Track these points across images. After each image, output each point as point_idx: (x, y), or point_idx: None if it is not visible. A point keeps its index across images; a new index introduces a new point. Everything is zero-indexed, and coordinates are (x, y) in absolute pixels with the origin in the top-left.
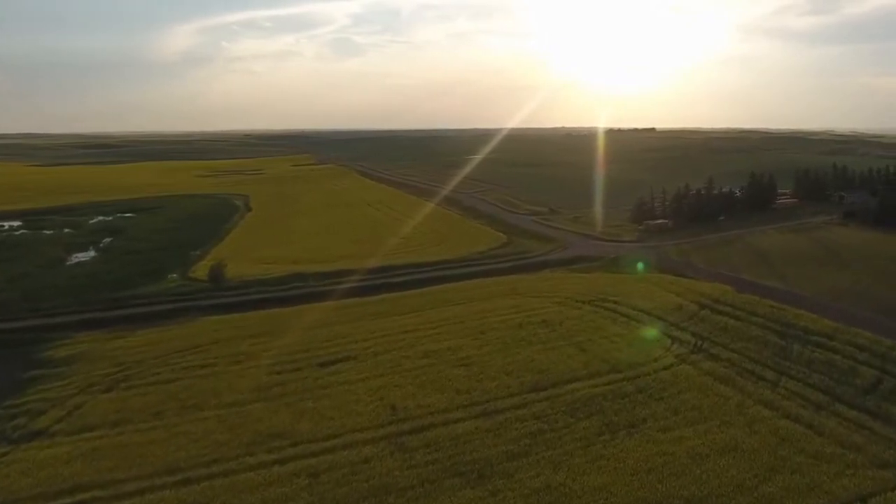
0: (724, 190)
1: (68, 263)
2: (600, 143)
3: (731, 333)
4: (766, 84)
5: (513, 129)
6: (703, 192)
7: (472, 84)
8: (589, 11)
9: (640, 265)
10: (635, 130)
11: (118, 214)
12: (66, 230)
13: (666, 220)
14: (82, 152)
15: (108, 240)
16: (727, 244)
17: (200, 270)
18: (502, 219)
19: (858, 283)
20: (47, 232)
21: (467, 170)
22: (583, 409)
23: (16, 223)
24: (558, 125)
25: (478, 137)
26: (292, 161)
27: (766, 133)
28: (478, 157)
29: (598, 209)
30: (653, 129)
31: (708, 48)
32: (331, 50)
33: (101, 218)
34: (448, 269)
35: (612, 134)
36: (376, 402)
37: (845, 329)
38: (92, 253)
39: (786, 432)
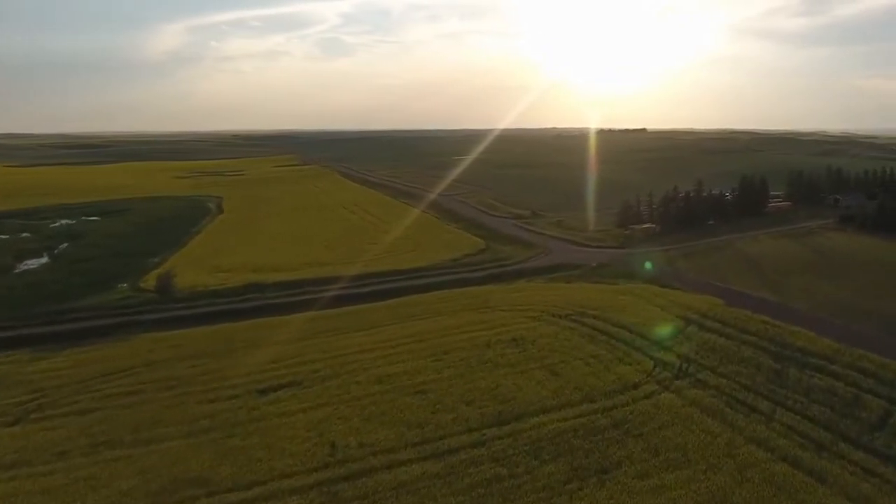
0: (713, 192)
1: (15, 272)
2: (590, 143)
3: (719, 354)
4: (757, 85)
5: (503, 130)
6: (691, 195)
7: (462, 84)
8: (580, 12)
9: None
10: (626, 131)
11: (84, 217)
12: (24, 234)
13: (653, 225)
14: (65, 152)
15: (64, 245)
16: (717, 251)
17: (153, 280)
18: (482, 223)
19: (859, 296)
20: (2, 237)
21: (453, 171)
22: (549, 449)
23: None
24: (549, 126)
25: (467, 138)
26: (275, 162)
27: (757, 134)
28: (465, 158)
29: (583, 212)
30: (644, 130)
31: (699, 49)
32: (320, 50)
33: (64, 221)
34: (418, 277)
35: (603, 134)
36: (314, 438)
37: (847, 350)
38: (44, 260)
39: (783, 480)
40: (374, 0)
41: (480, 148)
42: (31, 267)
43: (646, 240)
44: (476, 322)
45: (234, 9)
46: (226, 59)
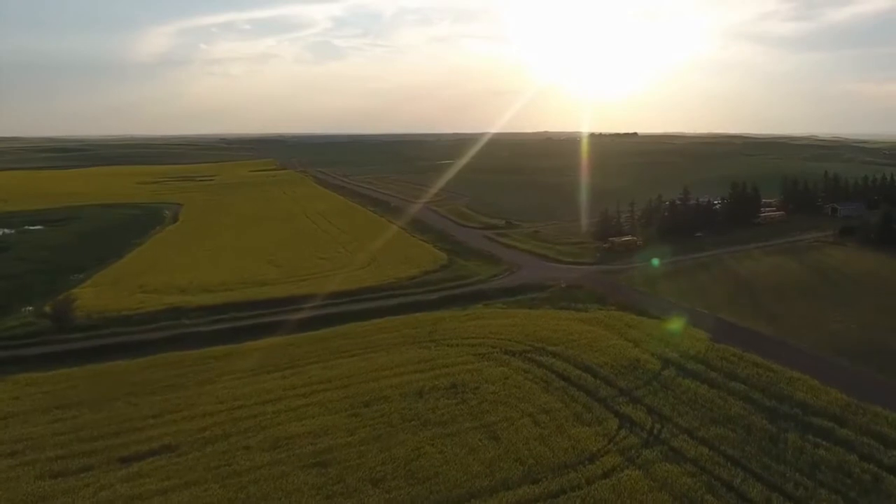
0: (701, 201)
1: None
2: (579, 148)
3: (701, 411)
4: (749, 89)
5: (494, 134)
6: (677, 204)
7: (454, 88)
8: (572, 16)
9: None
10: (617, 135)
11: (27, 227)
12: None
13: (634, 238)
14: (41, 156)
15: None
16: (703, 269)
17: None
18: (450, 234)
19: (869, 329)
20: None
21: (434, 176)
22: None
23: None
24: (541, 130)
25: (457, 142)
26: (252, 166)
27: (749, 138)
28: (450, 163)
29: (563, 222)
30: (635, 134)
31: (692, 53)
32: (311, 53)
33: (3, 231)
34: (364, 300)
35: (594, 139)
36: None
37: (860, 407)
38: None
39: None
40: (366, 3)
41: (467, 152)
42: None
43: (625, 255)
44: (414, 361)
45: (223, 12)
46: (215, 62)
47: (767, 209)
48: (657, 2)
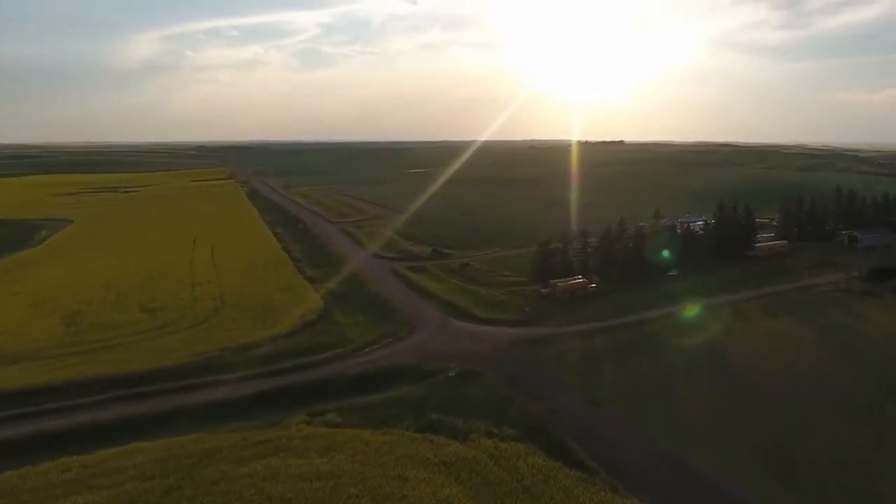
0: (679, 224)
1: None
2: (562, 156)
3: None
4: (738, 97)
5: (481, 142)
6: (645, 231)
7: (443, 95)
8: (561, 24)
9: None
10: (604, 143)
11: None
12: None
13: (583, 279)
14: None
15: None
16: (674, 339)
17: None
18: (354, 268)
19: None
20: None
21: (389, 188)
22: None
23: None
24: (528, 137)
25: (441, 150)
26: (196, 175)
27: (738, 146)
28: (420, 171)
29: (504, 251)
30: (622, 142)
31: (681, 61)
32: (299, 60)
33: None
34: (138, 397)
35: (580, 146)
36: None
37: None
38: None
39: None
40: (355, 10)
41: (445, 160)
42: None
43: (568, 307)
44: None
45: (210, 18)
46: (202, 69)
47: (764, 235)
48: (647, 10)
